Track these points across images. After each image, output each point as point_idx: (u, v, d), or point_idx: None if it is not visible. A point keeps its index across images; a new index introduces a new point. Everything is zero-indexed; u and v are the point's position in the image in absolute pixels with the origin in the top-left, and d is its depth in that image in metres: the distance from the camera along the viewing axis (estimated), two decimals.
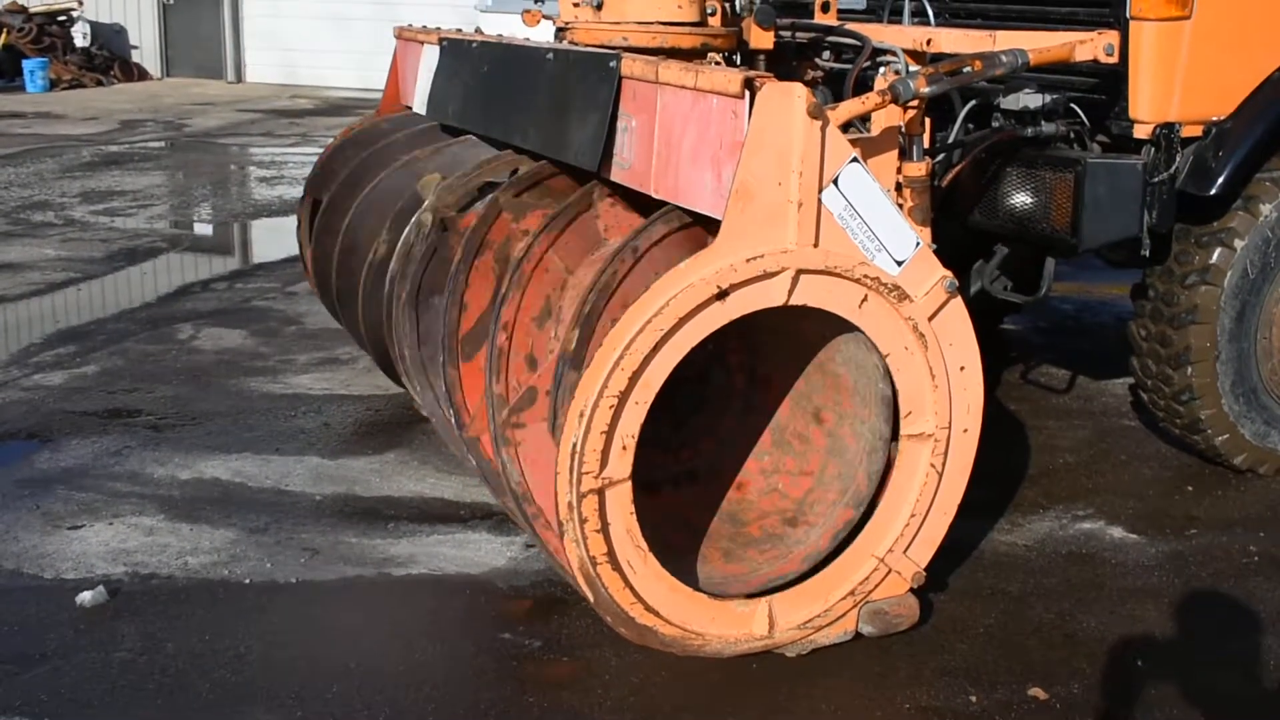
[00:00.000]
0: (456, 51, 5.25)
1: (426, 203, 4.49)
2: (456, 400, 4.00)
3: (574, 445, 3.20)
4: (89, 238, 9.23)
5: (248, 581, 4.13)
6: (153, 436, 5.33)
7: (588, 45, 4.58)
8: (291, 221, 6.24)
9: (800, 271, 3.29)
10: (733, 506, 4.00)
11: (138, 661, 3.65)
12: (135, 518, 4.57)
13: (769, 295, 3.29)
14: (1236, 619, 4.04)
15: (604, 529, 3.31)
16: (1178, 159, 4.49)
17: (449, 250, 4.30)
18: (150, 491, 4.80)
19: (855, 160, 3.31)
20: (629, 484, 3.30)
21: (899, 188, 3.97)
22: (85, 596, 3.96)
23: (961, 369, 3.59)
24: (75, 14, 20.69)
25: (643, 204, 3.83)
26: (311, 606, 4.00)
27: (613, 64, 3.88)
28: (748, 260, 3.21)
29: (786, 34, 5.23)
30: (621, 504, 3.32)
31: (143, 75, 21.23)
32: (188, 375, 6.14)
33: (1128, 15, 4.44)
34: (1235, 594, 4.17)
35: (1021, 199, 4.59)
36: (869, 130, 4.00)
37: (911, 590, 3.76)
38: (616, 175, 3.88)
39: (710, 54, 4.72)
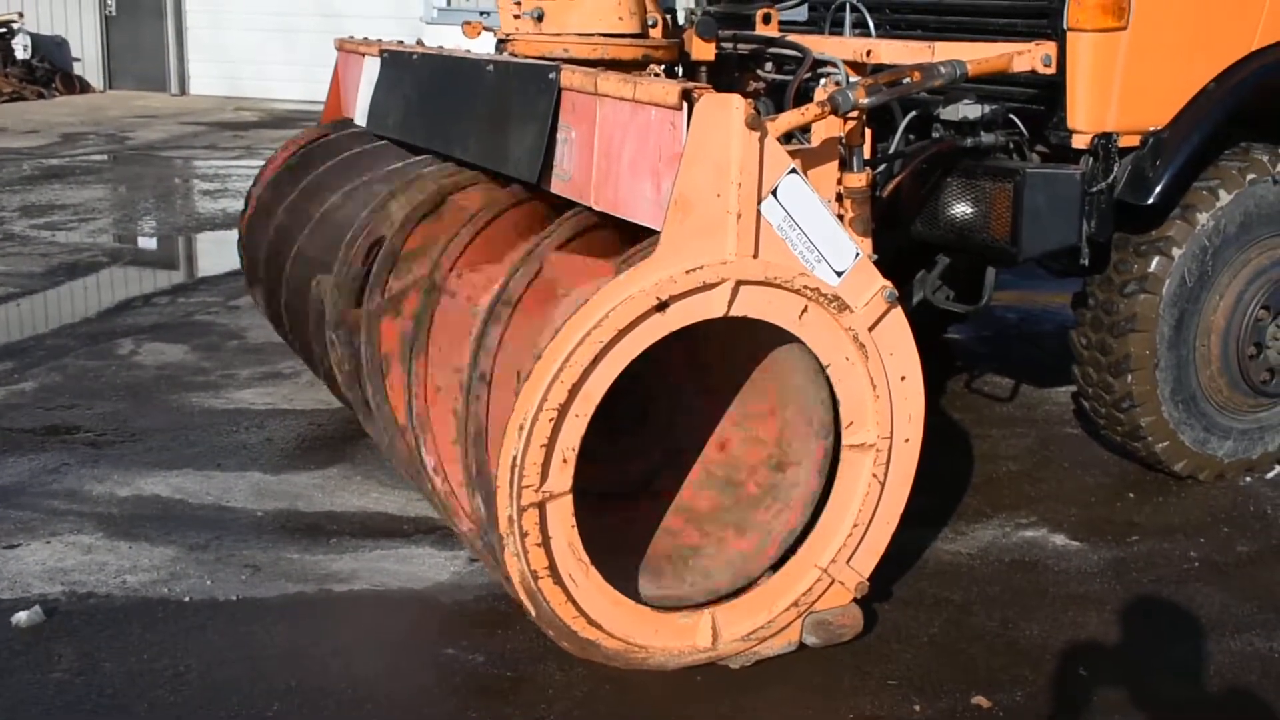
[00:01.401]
0: (397, 63, 5.23)
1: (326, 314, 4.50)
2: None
3: (514, 458, 3.19)
4: (29, 252, 9.12)
5: (187, 599, 4.08)
6: (91, 453, 5.27)
7: (528, 57, 4.57)
8: (235, 235, 6.20)
9: (740, 283, 3.29)
10: (672, 522, 3.99)
11: (74, 682, 3.59)
12: (73, 536, 4.51)
13: (709, 307, 3.29)
14: (1177, 624, 4.08)
15: (545, 543, 3.30)
16: (1116, 168, 4.53)
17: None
18: (89, 509, 4.73)
19: (794, 171, 3.32)
20: (570, 497, 3.29)
21: (839, 198, 3.98)
22: (21, 617, 3.89)
23: (903, 379, 3.60)
24: (16, 26, 20.45)
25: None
26: (252, 624, 3.95)
27: (552, 75, 3.88)
28: (687, 272, 3.21)
29: (728, 45, 5.24)
30: (563, 517, 3.30)
31: (85, 88, 21.01)
32: (128, 391, 6.07)
33: (1065, 26, 4.47)
34: (1176, 599, 4.21)
35: (961, 209, 4.61)
36: (809, 141, 4.01)
37: (855, 600, 3.76)
38: (556, 187, 3.88)
39: (651, 66, 4.73)
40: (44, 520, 4.63)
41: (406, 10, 18.25)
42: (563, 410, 3.19)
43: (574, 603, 3.39)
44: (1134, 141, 4.58)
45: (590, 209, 3.72)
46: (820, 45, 4.87)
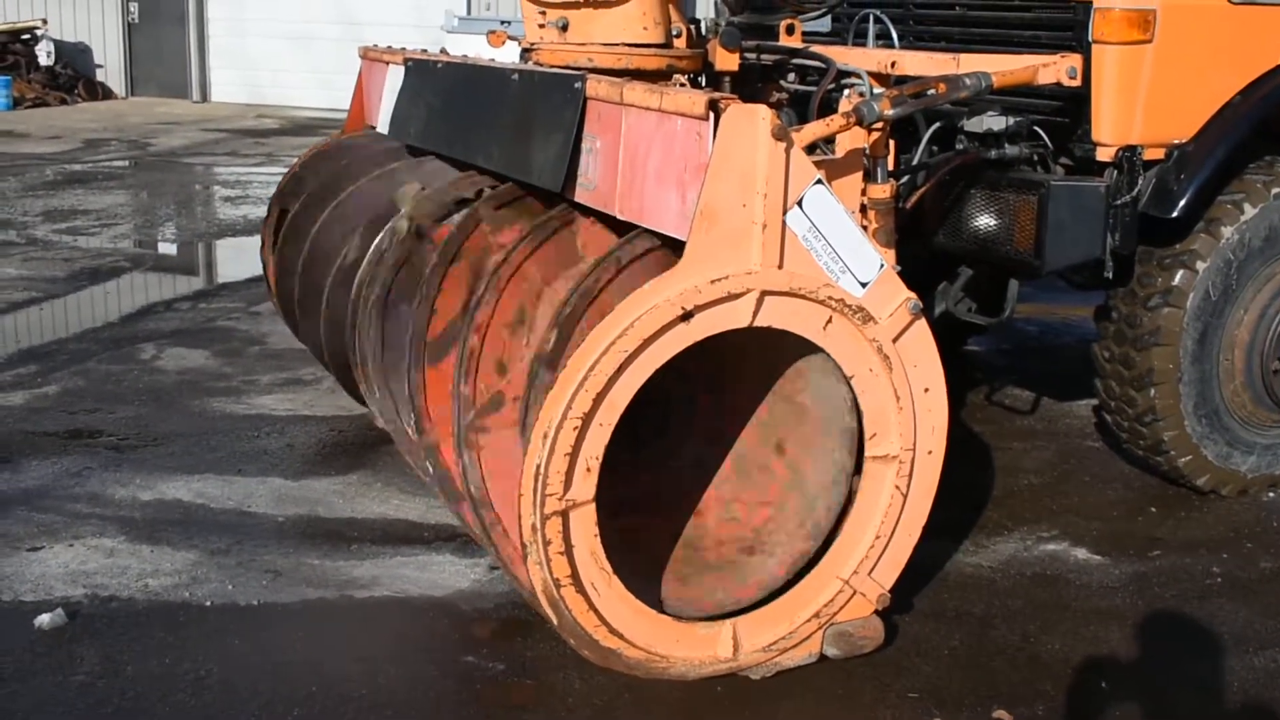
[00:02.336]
0: (421, 72, 5.24)
1: (403, 210, 4.49)
2: (419, 405, 4.00)
3: (538, 467, 3.19)
4: (51, 257, 9.17)
5: (209, 604, 4.09)
6: (114, 457, 5.28)
7: (553, 66, 4.58)
8: (256, 241, 6.24)
9: (765, 293, 3.29)
10: (691, 532, 3.99)
11: (96, 685, 3.61)
12: (95, 539, 4.52)
13: (734, 317, 3.29)
14: (1199, 640, 4.06)
15: (568, 551, 3.30)
16: (1140, 181, 4.52)
17: (423, 257, 4.32)
18: (111, 513, 4.75)
19: (819, 182, 3.32)
20: (593, 506, 3.29)
21: (863, 209, 3.98)
22: (44, 619, 3.91)
23: (926, 391, 3.59)
24: (39, 32, 20.58)
25: (621, 227, 3.84)
26: (273, 629, 3.96)
27: (577, 85, 3.88)
28: (712, 281, 3.21)
29: (752, 56, 5.25)
30: (585, 526, 3.30)
31: (107, 94, 21.12)
32: (150, 396, 6.09)
33: (1090, 39, 4.47)
34: (1198, 615, 4.19)
35: (985, 221, 4.61)
36: (833, 152, 4.00)
37: (876, 612, 3.75)
38: (580, 196, 3.88)
39: (675, 76, 4.73)
40: (67, 523, 4.64)
41: (427, 19, 18.27)
42: (587, 419, 3.19)
43: (596, 612, 3.39)
44: (1159, 154, 4.58)
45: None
46: (844, 56, 4.87)
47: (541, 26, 4.73)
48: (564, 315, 3.46)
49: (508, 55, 5.38)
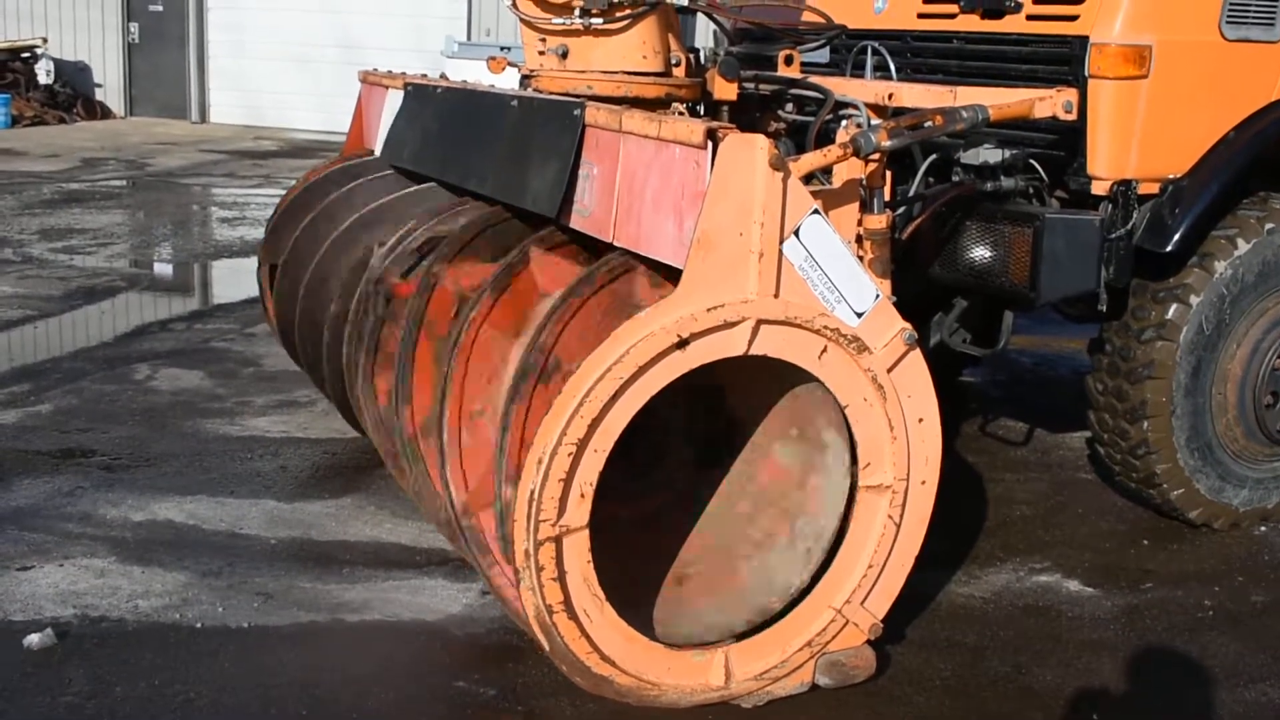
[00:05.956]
0: (420, 96, 5.26)
1: (368, 272, 4.51)
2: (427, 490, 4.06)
3: (532, 492, 3.19)
4: (47, 275, 9.16)
5: (199, 625, 4.08)
6: (106, 477, 5.28)
7: (552, 93, 4.60)
8: (252, 263, 6.23)
9: (760, 321, 3.30)
10: (683, 558, 3.99)
11: (85, 706, 3.59)
12: (86, 559, 4.51)
13: (729, 345, 3.30)
14: (1191, 673, 4.06)
15: (560, 577, 3.30)
16: (1135, 215, 4.55)
17: (395, 323, 4.33)
18: (102, 533, 4.74)
19: (816, 212, 3.33)
20: (586, 532, 3.29)
21: (859, 240, 3.99)
22: (33, 639, 3.90)
23: (920, 421, 3.60)
24: (39, 51, 20.59)
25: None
26: (263, 652, 3.95)
27: (576, 112, 3.90)
28: (708, 309, 3.22)
29: (750, 86, 5.27)
30: (579, 552, 3.30)
31: (106, 114, 21.13)
32: (143, 416, 6.08)
33: (1086, 73, 4.50)
34: (1189, 648, 4.19)
35: (980, 252, 4.62)
36: (830, 182, 4.02)
37: (869, 642, 3.75)
38: (576, 222, 3.89)
39: (674, 104, 4.75)
40: (58, 543, 4.63)
41: (427, 43, 18.33)
42: (581, 445, 3.19)
43: (588, 638, 3.39)
44: (1153, 189, 4.60)
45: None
46: (842, 87, 4.89)
47: (541, 53, 4.75)
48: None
49: (508, 81, 5.40)
